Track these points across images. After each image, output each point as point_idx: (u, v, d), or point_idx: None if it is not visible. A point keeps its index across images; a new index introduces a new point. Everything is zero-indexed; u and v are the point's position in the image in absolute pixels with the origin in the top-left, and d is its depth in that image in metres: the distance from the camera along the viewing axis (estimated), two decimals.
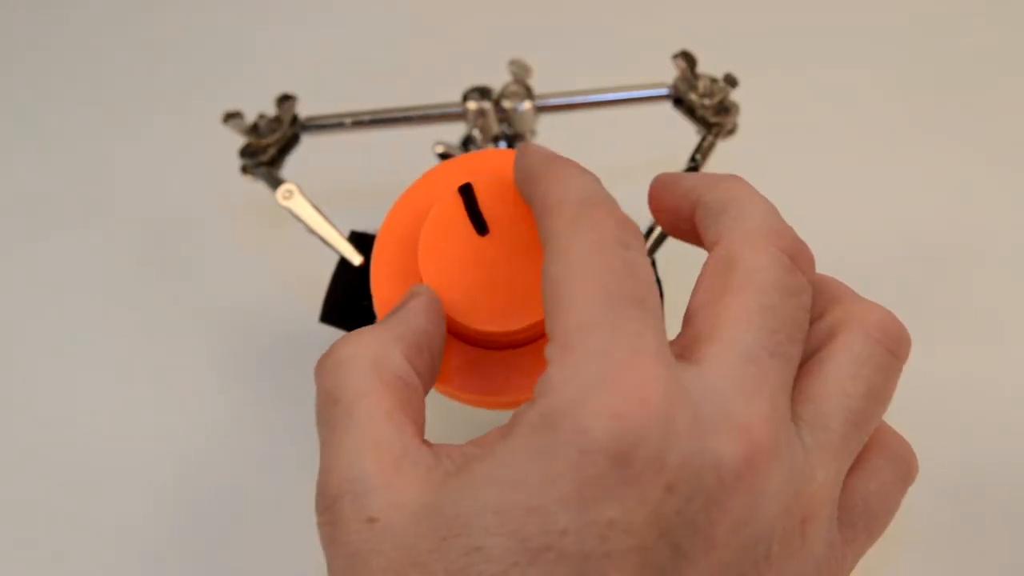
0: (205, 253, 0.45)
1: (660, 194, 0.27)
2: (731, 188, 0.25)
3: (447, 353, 0.30)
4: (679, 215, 0.26)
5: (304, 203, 0.35)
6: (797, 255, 0.23)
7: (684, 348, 0.22)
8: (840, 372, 0.23)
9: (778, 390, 0.22)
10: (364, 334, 0.25)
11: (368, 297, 0.32)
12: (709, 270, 0.24)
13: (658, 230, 0.33)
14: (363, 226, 0.34)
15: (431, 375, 0.26)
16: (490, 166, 0.31)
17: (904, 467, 0.25)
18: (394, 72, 0.51)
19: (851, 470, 0.24)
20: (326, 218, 0.34)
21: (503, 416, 0.39)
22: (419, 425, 0.24)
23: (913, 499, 0.26)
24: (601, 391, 0.20)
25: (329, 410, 0.24)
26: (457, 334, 0.30)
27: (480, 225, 0.28)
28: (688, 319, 0.23)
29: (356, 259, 0.33)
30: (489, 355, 0.30)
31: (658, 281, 0.33)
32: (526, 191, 0.26)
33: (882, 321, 0.24)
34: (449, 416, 0.39)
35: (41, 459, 0.40)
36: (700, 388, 0.21)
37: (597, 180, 0.25)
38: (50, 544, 0.38)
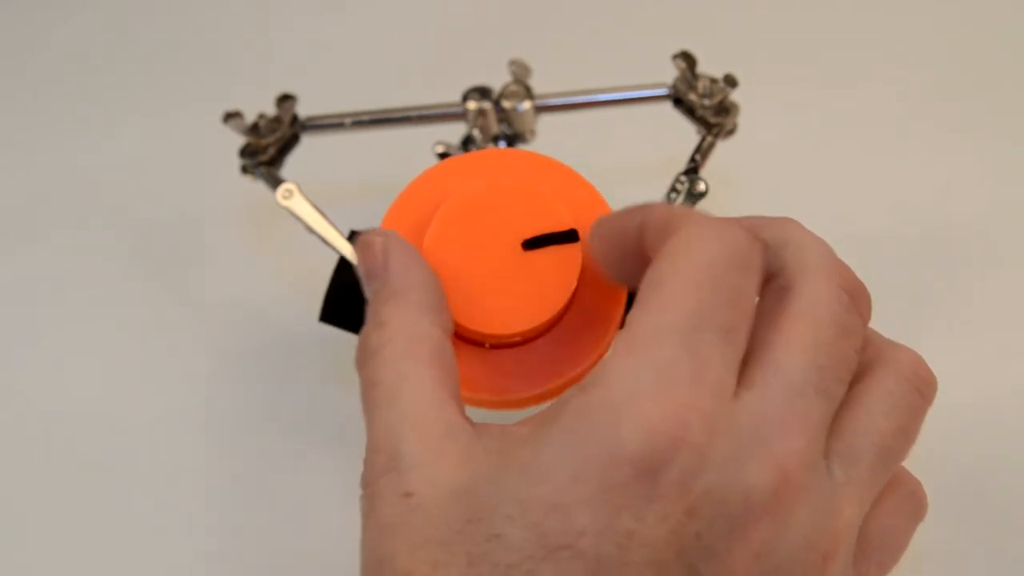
0: (205, 253, 0.45)
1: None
2: (789, 227, 0.25)
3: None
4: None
5: (304, 203, 0.35)
6: (857, 295, 0.24)
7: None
8: (873, 410, 0.24)
9: (817, 427, 0.22)
10: (390, 316, 0.25)
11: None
12: (768, 295, 0.24)
13: None
14: (363, 226, 0.34)
15: (451, 322, 0.27)
16: (490, 167, 0.31)
17: (916, 505, 0.25)
18: (394, 72, 0.51)
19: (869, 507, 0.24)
20: (326, 218, 0.34)
21: (499, 413, 0.39)
22: (457, 397, 0.24)
23: None
24: (645, 403, 0.20)
25: (372, 394, 0.24)
26: (458, 334, 0.30)
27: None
28: (751, 342, 0.23)
29: (355, 258, 0.33)
30: (490, 354, 0.30)
31: None
32: (632, 224, 0.25)
33: (913, 363, 0.25)
34: None
35: (41, 459, 0.40)
36: (743, 416, 0.21)
37: None
38: (48, 544, 0.38)
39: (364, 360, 0.25)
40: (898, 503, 0.25)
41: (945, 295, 0.42)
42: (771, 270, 0.24)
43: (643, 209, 0.25)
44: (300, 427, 0.39)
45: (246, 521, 0.37)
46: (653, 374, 0.20)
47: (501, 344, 0.30)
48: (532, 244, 0.28)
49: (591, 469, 0.20)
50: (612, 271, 0.27)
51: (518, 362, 0.30)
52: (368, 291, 0.27)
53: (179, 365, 0.42)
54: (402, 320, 0.25)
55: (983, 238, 0.43)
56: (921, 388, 0.24)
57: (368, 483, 0.23)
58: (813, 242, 0.24)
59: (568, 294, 0.28)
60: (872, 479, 0.23)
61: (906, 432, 0.24)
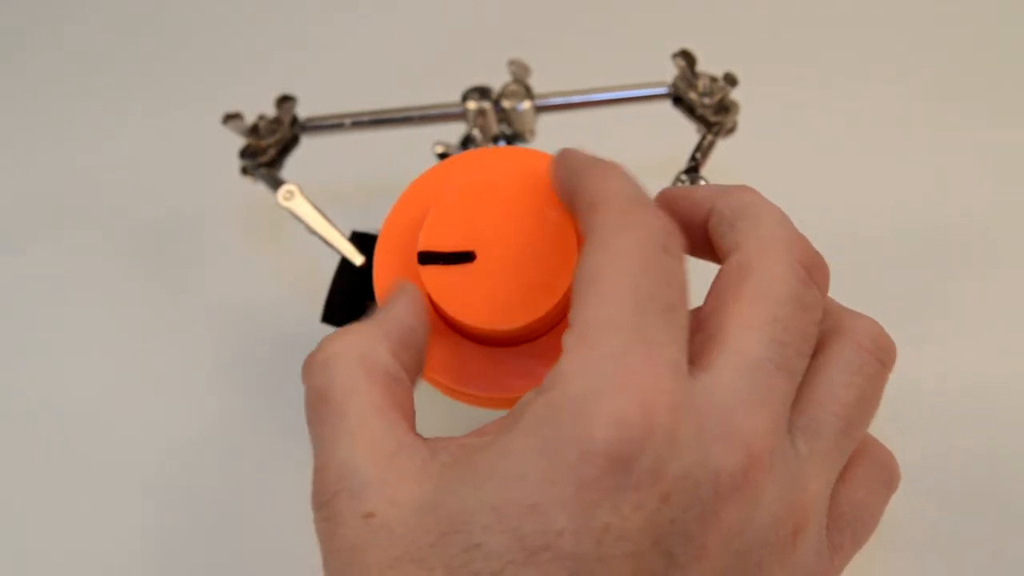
0: (206, 255, 0.45)
1: (670, 205, 0.27)
2: (745, 196, 0.25)
3: (446, 349, 0.30)
4: (690, 226, 0.26)
5: (305, 204, 0.35)
6: (814, 268, 0.24)
7: (695, 352, 0.23)
8: (833, 381, 0.24)
9: (780, 403, 0.22)
10: (350, 332, 0.25)
11: (370, 297, 0.32)
12: (724, 275, 0.24)
13: None
14: (364, 226, 0.34)
15: (417, 369, 0.26)
16: (488, 165, 0.31)
17: (888, 474, 0.26)
18: (394, 72, 0.51)
19: (839, 478, 0.24)
20: (327, 218, 0.34)
21: (498, 414, 0.39)
22: (410, 420, 0.24)
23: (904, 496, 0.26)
24: (610, 394, 0.20)
25: (319, 408, 0.24)
26: (458, 331, 0.30)
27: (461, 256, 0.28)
28: (701, 322, 0.23)
29: (357, 259, 0.34)
30: (488, 352, 0.30)
31: None
32: (570, 185, 0.26)
33: (871, 331, 0.25)
34: (447, 416, 0.39)
35: (40, 458, 0.40)
36: (706, 397, 0.21)
37: (638, 182, 0.25)
38: (46, 543, 0.38)
39: (311, 368, 0.24)
40: (868, 473, 0.25)
41: (944, 294, 0.42)
42: (727, 245, 0.24)
43: (574, 174, 0.26)
44: (300, 427, 0.39)
45: (246, 521, 0.37)
46: (610, 365, 0.20)
47: (500, 340, 0.30)
48: (426, 260, 0.28)
49: (563, 468, 0.20)
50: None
51: (523, 360, 0.30)
52: None
53: (179, 365, 0.42)
54: (358, 338, 0.25)
55: (983, 237, 0.43)
56: (880, 356, 0.24)
57: (321, 504, 0.22)
58: (769, 215, 0.24)
59: (562, 291, 0.28)
60: (836, 450, 0.23)
61: (867, 401, 0.24)
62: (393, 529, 0.21)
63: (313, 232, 0.34)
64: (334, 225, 0.34)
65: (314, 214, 0.34)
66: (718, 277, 0.24)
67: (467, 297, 0.28)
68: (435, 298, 0.28)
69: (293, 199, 0.35)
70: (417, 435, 0.23)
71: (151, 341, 0.43)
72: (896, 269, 0.42)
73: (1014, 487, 0.36)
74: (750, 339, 0.22)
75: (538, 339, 0.30)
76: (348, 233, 0.34)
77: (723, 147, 0.37)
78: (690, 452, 0.20)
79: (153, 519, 0.38)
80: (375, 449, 0.22)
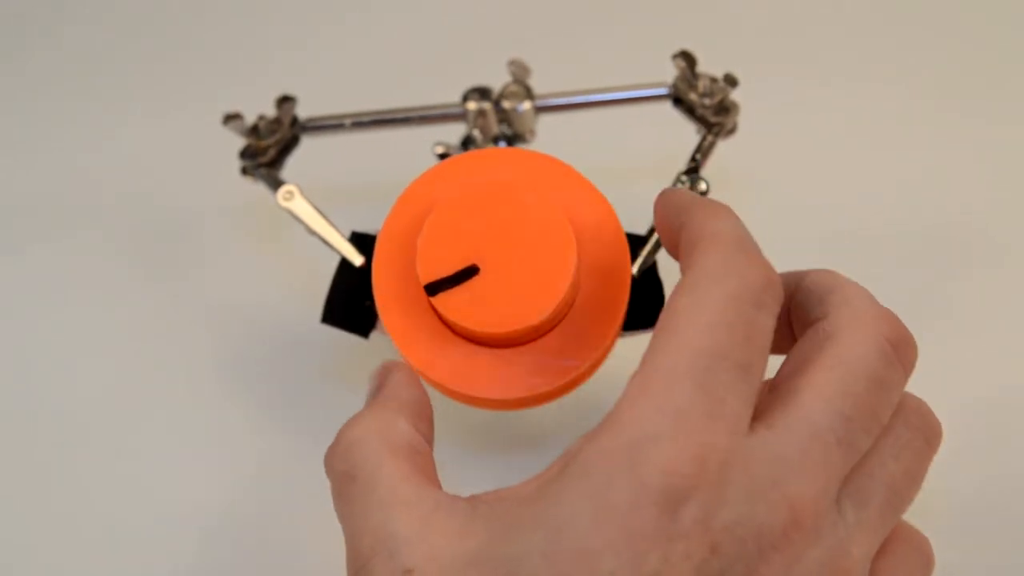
0: (206, 255, 0.45)
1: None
2: (832, 275, 0.25)
3: (448, 351, 0.30)
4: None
5: (305, 204, 0.35)
6: (901, 346, 0.24)
7: (762, 409, 0.23)
8: (883, 453, 0.24)
9: (835, 475, 0.22)
10: (364, 416, 0.25)
11: (369, 297, 0.32)
12: (809, 339, 0.24)
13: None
14: (364, 226, 0.34)
15: (431, 440, 0.27)
16: (488, 166, 0.31)
17: (925, 560, 0.26)
18: (394, 72, 0.51)
19: (878, 554, 0.24)
20: (327, 219, 0.34)
21: (499, 414, 0.40)
22: (437, 484, 0.24)
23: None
24: (664, 443, 0.20)
25: (348, 490, 0.24)
26: (465, 336, 0.30)
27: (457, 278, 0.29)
28: (775, 383, 0.24)
29: (357, 260, 0.34)
30: (497, 353, 0.30)
31: (659, 284, 0.33)
32: (677, 222, 0.25)
33: (920, 410, 0.25)
34: (447, 415, 0.39)
35: (39, 458, 0.40)
36: (761, 455, 0.21)
37: (747, 228, 0.25)
38: (49, 544, 0.38)
39: (336, 455, 0.24)
40: (907, 554, 0.25)
41: (944, 294, 0.42)
42: (815, 315, 0.24)
43: (682, 211, 0.25)
44: (300, 427, 0.39)
45: (246, 521, 0.37)
46: (669, 416, 0.21)
47: (505, 343, 0.30)
48: (434, 290, 0.28)
49: (614, 513, 0.20)
50: (667, 246, 0.27)
51: (524, 360, 0.30)
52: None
53: (179, 365, 0.42)
54: (375, 419, 0.25)
55: (983, 237, 0.43)
56: (928, 435, 0.25)
57: (358, 570, 0.22)
58: (860, 291, 0.25)
59: (562, 293, 0.28)
60: (881, 521, 0.23)
61: (913, 476, 0.24)
62: None
63: (313, 232, 0.34)
64: (334, 225, 0.34)
65: (314, 214, 0.34)
66: (802, 340, 0.24)
67: (480, 308, 0.28)
68: (453, 319, 0.28)
69: (293, 199, 0.35)
70: (446, 497, 0.23)
71: (151, 341, 0.43)
72: (896, 269, 0.42)
73: (1014, 486, 0.36)
74: (817, 407, 0.22)
75: (547, 334, 0.30)
76: (348, 233, 0.34)
77: (723, 147, 0.37)
78: (738, 506, 0.20)
79: (152, 519, 0.38)
80: (410, 510, 0.22)
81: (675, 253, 0.26)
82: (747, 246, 0.23)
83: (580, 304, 0.30)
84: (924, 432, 0.25)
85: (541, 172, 0.31)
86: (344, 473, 0.24)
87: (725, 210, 0.25)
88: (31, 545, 0.38)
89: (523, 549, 0.20)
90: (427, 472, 0.24)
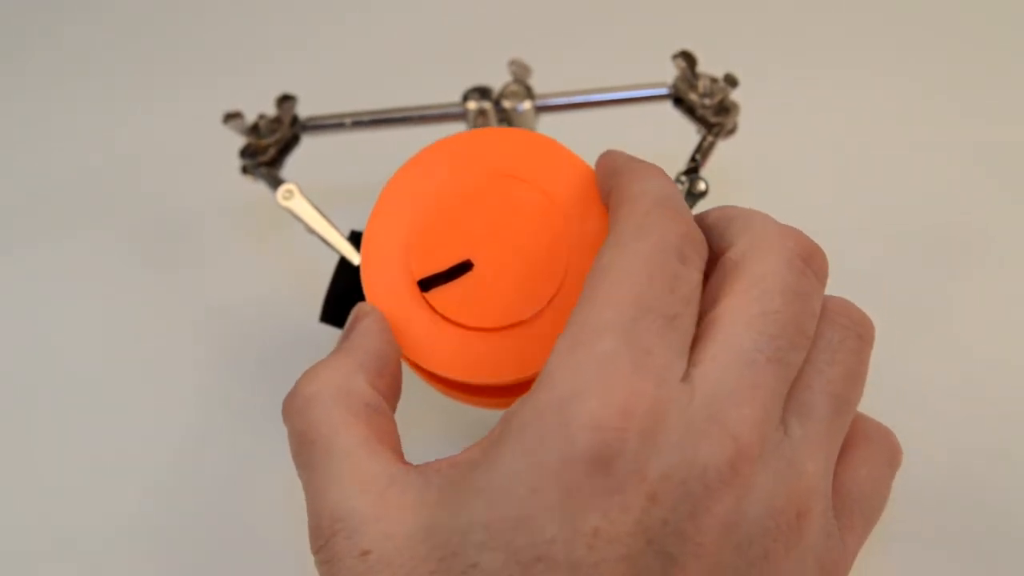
0: (205, 253, 0.45)
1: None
2: (727, 208, 0.25)
3: (442, 342, 0.30)
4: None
5: (304, 203, 0.35)
6: (810, 256, 0.24)
7: (691, 349, 0.22)
8: (817, 360, 0.24)
9: (771, 395, 0.22)
10: (323, 369, 0.25)
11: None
12: (718, 271, 0.24)
13: None
14: (363, 226, 0.34)
15: (395, 395, 0.26)
16: (478, 151, 0.30)
17: (890, 451, 0.25)
18: (394, 72, 0.51)
19: (838, 460, 0.24)
20: (326, 218, 0.34)
21: (497, 413, 0.39)
22: (397, 450, 0.24)
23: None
24: (588, 398, 0.20)
25: (306, 452, 0.24)
26: (455, 323, 0.30)
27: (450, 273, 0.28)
28: (699, 320, 0.23)
29: (356, 259, 0.33)
30: (480, 340, 0.30)
31: None
32: (607, 185, 0.26)
33: (844, 308, 0.25)
34: (447, 415, 0.39)
35: (38, 458, 0.40)
36: (693, 394, 0.21)
37: (676, 186, 0.25)
38: (50, 544, 0.38)
39: (293, 410, 0.24)
40: (869, 452, 0.25)
41: (944, 294, 0.42)
42: (720, 248, 0.24)
43: (614, 173, 0.26)
44: None
45: (246, 520, 0.37)
46: (594, 369, 0.20)
47: (495, 328, 0.30)
48: (427, 285, 0.28)
49: (547, 476, 0.20)
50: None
51: (516, 345, 0.30)
52: None
53: (179, 365, 0.42)
54: (334, 374, 0.25)
55: (983, 237, 0.43)
56: (859, 331, 0.24)
57: (319, 548, 0.22)
58: (757, 214, 0.24)
59: (562, 273, 0.28)
60: (830, 430, 0.23)
61: (854, 376, 0.24)
62: (391, 562, 0.21)
63: (312, 231, 0.34)
64: (333, 224, 0.34)
65: (313, 213, 0.34)
66: (712, 275, 0.24)
67: (475, 303, 0.28)
68: (451, 317, 0.28)
69: (292, 198, 0.35)
70: (408, 464, 0.23)
71: (150, 340, 0.43)
72: (896, 269, 0.42)
73: (1016, 486, 0.36)
74: (738, 332, 0.22)
75: (540, 316, 0.30)
76: (347, 232, 0.34)
77: (723, 147, 0.37)
78: (674, 451, 0.20)
79: (151, 519, 0.38)
80: (366, 486, 0.22)
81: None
82: (670, 203, 0.24)
83: (571, 284, 0.29)
84: (854, 329, 0.24)
85: (530, 153, 0.30)
86: (302, 433, 0.24)
87: (653, 170, 0.25)
88: (33, 543, 0.38)
89: (467, 520, 0.21)
90: (386, 435, 0.24)
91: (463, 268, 0.28)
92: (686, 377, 0.21)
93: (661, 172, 0.25)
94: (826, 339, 0.24)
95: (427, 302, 0.29)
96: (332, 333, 0.34)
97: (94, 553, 0.37)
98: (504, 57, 0.39)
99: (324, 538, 0.22)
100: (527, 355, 0.29)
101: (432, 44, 0.52)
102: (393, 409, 0.26)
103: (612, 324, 0.21)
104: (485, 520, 0.20)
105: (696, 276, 0.23)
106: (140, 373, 0.42)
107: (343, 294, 0.33)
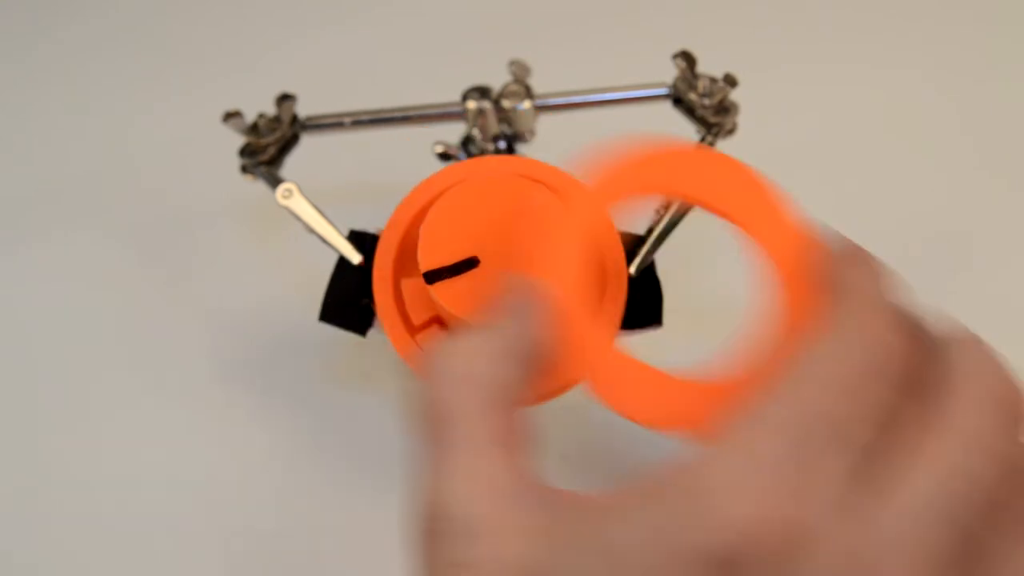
0: (204, 252, 0.45)
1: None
2: (957, 330, 0.24)
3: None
4: None
5: (303, 202, 0.35)
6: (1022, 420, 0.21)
7: (867, 477, 0.20)
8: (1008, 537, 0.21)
9: (934, 559, 0.19)
10: (480, 348, 0.22)
11: (367, 295, 0.32)
12: (927, 399, 0.21)
13: (660, 226, 0.33)
14: (362, 225, 0.34)
15: (539, 397, 0.25)
16: (491, 170, 0.31)
17: None
18: (394, 72, 0.51)
19: None
20: (325, 217, 0.34)
21: None
22: (526, 454, 0.22)
23: None
24: (743, 499, 0.19)
25: (437, 428, 0.22)
26: (458, 330, 0.30)
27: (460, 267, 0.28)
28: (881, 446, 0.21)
29: (355, 258, 0.33)
30: None
31: (657, 283, 0.33)
32: (830, 269, 0.24)
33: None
34: None
35: (38, 457, 0.40)
36: (852, 534, 0.19)
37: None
38: (39, 542, 0.38)
39: (440, 380, 0.22)
40: None
41: (945, 294, 0.42)
42: (933, 375, 0.22)
43: (839, 277, 0.24)
44: (300, 427, 0.39)
45: (246, 520, 0.37)
46: (756, 471, 0.19)
47: None
48: (433, 278, 0.28)
49: (672, 559, 0.19)
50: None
51: None
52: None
53: (178, 365, 0.42)
54: (489, 359, 0.22)
55: (983, 237, 0.43)
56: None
57: (426, 533, 0.21)
58: (981, 351, 0.22)
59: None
60: None
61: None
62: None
63: (311, 231, 0.34)
64: (332, 224, 0.34)
65: (312, 213, 0.34)
66: (916, 399, 0.21)
67: (478, 300, 0.28)
68: (454, 310, 0.28)
69: (291, 197, 0.35)
70: (533, 479, 0.22)
71: (149, 339, 0.43)
72: (896, 269, 0.42)
73: None
74: (929, 487, 0.20)
75: None
76: (346, 232, 0.34)
77: (723, 147, 0.37)
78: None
79: (151, 519, 0.38)
80: (491, 494, 0.21)
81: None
82: (881, 306, 0.22)
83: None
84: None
85: (537, 176, 0.31)
86: (438, 407, 0.22)
87: (875, 263, 0.24)
88: (27, 544, 0.38)
89: (579, 570, 0.19)
90: (522, 437, 0.22)
91: (469, 264, 0.28)
92: (853, 510, 0.19)
93: (886, 268, 0.24)
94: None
95: (434, 315, 0.29)
96: (331, 332, 0.34)
97: (92, 553, 0.37)
98: (504, 57, 0.39)
99: (430, 530, 0.21)
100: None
101: (432, 44, 0.52)
102: (530, 398, 0.24)
103: (793, 432, 0.19)
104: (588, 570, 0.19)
105: (896, 398, 0.21)
106: (138, 372, 0.42)
107: (342, 293, 0.34)
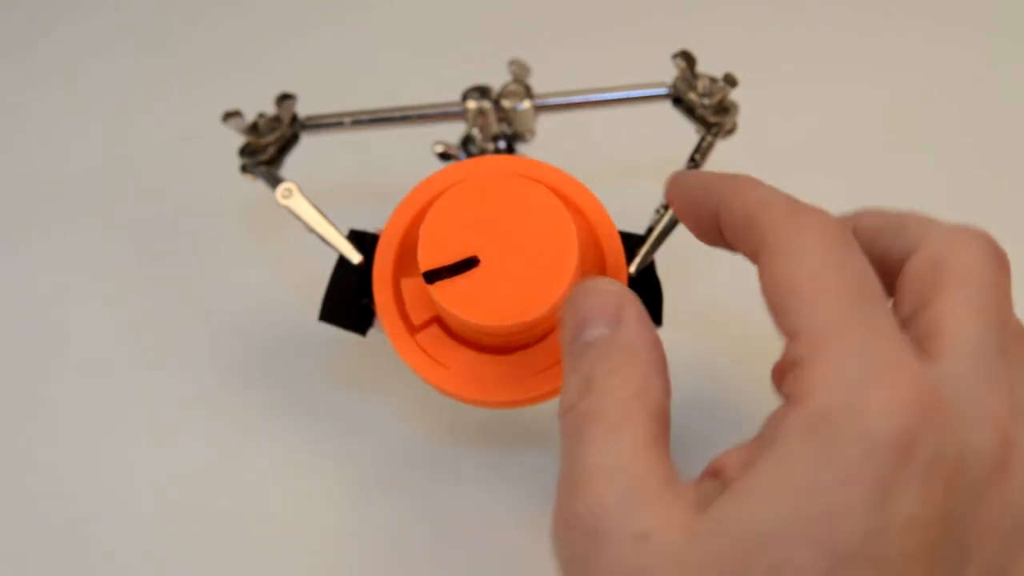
0: (204, 252, 0.45)
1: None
2: (882, 211, 0.26)
3: (450, 352, 0.30)
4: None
5: (303, 202, 0.35)
6: (1003, 256, 0.24)
7: (915, 345, 0.22)
8: None
9: (1008, 385, 0.22)
10: (635, 351, 0.24)
11: (367, 295, 0.32)
12: (919, 274, 0.24)
13: (660, 225, 0.33)
14: (362, 225, 0.34)
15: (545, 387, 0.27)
16: (491, 170, 0.31)
17: None
18: (394, 72, 0.51)
19: None
20: (325, 217, 0.34)
21: (500, 414, 0.39)
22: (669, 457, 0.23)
23: None
24: (877, 386, 0.20)
25: (588, 427, 0.22)
26: (469, 343, 0.30)
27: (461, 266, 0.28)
28: (906, 321, 0.23)
29: (355, 258, 0.34)
30: (489, 357, 0.30)
31: (657, 282, 0.33)
32: (710, 204, 0.26)
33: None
34: (446, 414, 0.39)
35: (38, 457, 0.40)
36: (948, 384, 0.21)
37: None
38: (38, 541, 0.38)
39: (596, 368, 0.23)
40: None
41: None
42: (907, 246, 0.24)
43: (720, 192, 0.26)
44: (300, 427, 0.39)
45: (246, 520, 0.37)
46: (862, 360, 0.20)
47: (504, 348, 0.30)
48: (433, 277, 0.28)
49: (855, 469, 0.19)
50: (693, 231, 0.27)
51: (524, 361, 0.30)
52: (588, 335, 0.25)
53: (178, 364, 0.42)
54: (645, 370, 0.23)
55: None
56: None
57: (576, 516, 0.21)
58: (929, 217, 0.25)
59: (562, 289, 0.28)
60: None
61: None
62: (675, 552, 0.20)
63: (311, 230, 0.34)
64: (332, 223, 0.34)
65: (312, 212, 0.34)
66: (908, 276, 0.24)
67: (478, 300, 0.28)
68: (454, 310, 0.28)
69: (291, 197, 0.35)
70: (678, 477, 0.22)
71: (149, 341, 0.43)
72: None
73: None
74: (967, 329, 0.22)
75: (546, 337, 0.30)
76: (346, 231, 0.34)
77: (723, 147, 0.37)
78: (956, 437, 0.20)
79: (151, 519, 0.38)
80: (648, 477, 0.21)
81: (701, 227, 0.26)
82: (797, 200, 0.24)
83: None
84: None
85: (537, 176, 0.31)
86: (587, 410, 0.23)
87: (750, 178, 0.26)
88: (26, 543, 0.38)
89: (770, 520, 0.20)
90: (666, 441, 0.23)
91: (469, 264, 0.28)
92: (927, 365, 0.21)
93: (753, 177, 0.26)
94: None
95: (436, 319, 0.29)
96: (332, 333, 0.34)
97: (89, 553, 0.37)
98: (504, 57, 0.39)
99: (591, 516, 0.21)
100: (533, 372, 0.29)
101: (432, 44, 0.52)
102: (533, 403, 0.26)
103: (843, 317, 0.21)
104: (794, 517, 0.20)
105: (864, 255, 0.23)
106: (137, 372, 0.42)
107: (342, 293, 0.34)
